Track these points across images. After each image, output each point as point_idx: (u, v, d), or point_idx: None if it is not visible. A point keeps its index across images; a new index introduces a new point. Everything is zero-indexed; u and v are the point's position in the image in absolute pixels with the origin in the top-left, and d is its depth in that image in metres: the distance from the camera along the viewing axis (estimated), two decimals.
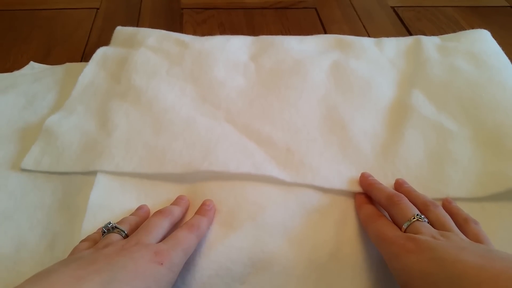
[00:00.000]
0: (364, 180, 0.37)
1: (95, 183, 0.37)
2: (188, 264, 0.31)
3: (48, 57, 0.55)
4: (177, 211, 0.34)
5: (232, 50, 0.52)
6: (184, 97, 0.45)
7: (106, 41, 0.58)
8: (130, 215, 0.34)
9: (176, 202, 0.36)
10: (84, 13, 0.64)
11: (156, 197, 0.37)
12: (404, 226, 0.30)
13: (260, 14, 0.66)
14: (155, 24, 0.63)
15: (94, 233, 0.33)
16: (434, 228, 0.30)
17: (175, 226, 0.34)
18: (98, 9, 0.65)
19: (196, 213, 0.34)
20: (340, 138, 0.42)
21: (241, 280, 0.31)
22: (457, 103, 0.45)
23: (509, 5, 0.72)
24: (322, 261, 0.33)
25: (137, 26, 0.62)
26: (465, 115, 0.44)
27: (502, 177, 0.38)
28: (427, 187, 0.38)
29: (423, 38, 0.55)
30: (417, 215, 0.30)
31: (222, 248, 0.32)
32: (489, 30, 0.55)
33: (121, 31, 0.54)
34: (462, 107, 0.44)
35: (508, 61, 0.51)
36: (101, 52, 0.51)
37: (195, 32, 0.61)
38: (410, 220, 0.30)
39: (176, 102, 0.44)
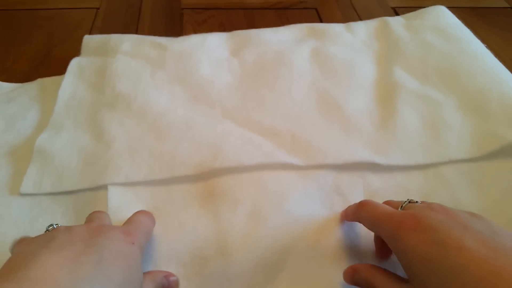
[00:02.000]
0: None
1: (108, 197, 0.36)
2: (227, 260, 0.32)
3: (48, 57, 0.55)
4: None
5: (211, 47, 0.51)
6: (175, 100, 0.45)
7: None
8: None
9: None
10: (84, 13, 0.64)
11: (172, 201, 0.37)
12: (399, 210, 0.29)
13: (260, 15, 0.66)
14: (155, 24, 0.63)
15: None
16: None
17: None
18: (98, 9, 0.65)
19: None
20: (339, 118, 0.43)
21: (279, 267, 0.32)
22: (437, 75, 0.48)
23: (509, 6, 0.71)
24: (350, 240, 0.34)
25: (137, 26, 0.62)
26: (447, 85, 0.47)
27: (494, 137, 0.41)
28: (431, 152, 0.40)
29: (388, 19, 0.57)
30: (409, 199, 0.30)
31: (256, 240, 0.33)
32: (490, 31, 0.56)
33: (90, 40, 0.52)
34: (443, 78, 0.47)
35: (470, 32, 0.54)
36: (75, 63, 0.49)
37: (195, 32, 0.61)
38: (403, 205, 0.30)
39: (169, 106, 0.44)
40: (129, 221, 0.31)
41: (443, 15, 0.57)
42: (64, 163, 0.38)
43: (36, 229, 0.32)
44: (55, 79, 0.48)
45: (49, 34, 0.59)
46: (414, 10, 0.68)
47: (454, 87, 0.46)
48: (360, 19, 0.66)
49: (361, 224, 0.32)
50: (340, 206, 0.36)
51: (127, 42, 0.51)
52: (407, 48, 0.51)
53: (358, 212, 0.32)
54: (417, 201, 0.30)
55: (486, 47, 0.52)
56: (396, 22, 0.56)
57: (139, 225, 0.31)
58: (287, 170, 0.38)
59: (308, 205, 0.36)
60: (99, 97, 0.45)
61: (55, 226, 0.29)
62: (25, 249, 0.24)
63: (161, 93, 0.45)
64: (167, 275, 0.31)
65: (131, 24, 0.62)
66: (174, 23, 0.63)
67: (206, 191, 0.37)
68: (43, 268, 0.22)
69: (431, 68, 0.48)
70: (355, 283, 0.31)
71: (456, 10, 0.69)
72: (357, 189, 0.38)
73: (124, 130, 0.41)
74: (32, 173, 0.38)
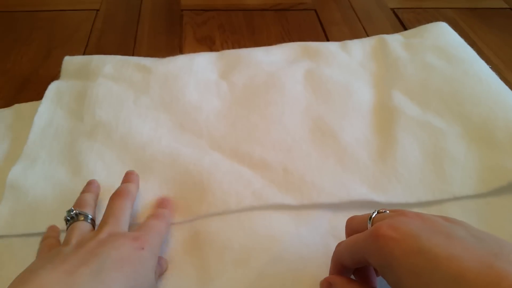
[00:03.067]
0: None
1: None
2: None
3: (48, 59, 0.55)
4: (133, 188, 0.34)
5: (199, 69, 0.49)
6: (160, 128, 0.42)
7: (106, 43, 0.58)
8: (82, 192, 0.34)
9: (127, 179, 0.35)
10: (84, 15, 0.64)
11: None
12: (369, 223, 0.28)
13: (260, 16, 0.66)
14: (155, 25, 0.63)
15: (49, 228, 0.33)
16: None
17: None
18: (98, 10, 0.65)
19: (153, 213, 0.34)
20: (334, 149, 0.40)
21: None
22: (439, 100, 0.45)
23: (508, 7, 0.72)
24: None
25: (137, 27, 0.62)
26: (449, 112, 0.44)
27: (502, 171, 0.38)
28: (433, 189, 0.37)
29: (386, 37, 0.55)
30: (376, 211, 0.28)
31: None
32: (489, 32, 0.56)
33: (70, 61, 0.49)
34: (445, 104, 0.44)
35: (474, 51, 0.51)
36: (53, 87, 0.46)
37: (195, 34, 0.61)
38: (371, 217, 0.28)
39: (153, 135, 0.41)
40: (141, 226, 0.32)
41: (445, 33, 0.54)
42: (39, 201, 0.35)
43: (6, 276, 0.28)
44: (32, 104, 0.46)
45: (49, 35, 0.59)
46: (413, 11, 0.69)
47: (457, 114, 0.43)
48: (359, 20, 0.66)
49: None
50: None
51: (109, 64, 0.48)
52: (406, 70, 0.48)
53: (337, 254, 0.29)
54: (385, 210, 0.28)
55: (491, 68, 0.49)
56: (394, 41, 0.53)
57: (150, 228, 0.31)
58: (278, 210, 0.36)
59: (302, 250, 0.33)
60: (78, 125, 0.42)
61: (72, 212, 0.31)
62: (34, 265, 0.26)
63: (144, 121, 0.42)
64: (161, 261, 0.32)
65: (131, 25, 0.62)
66: (174, 25, 0.63)
67: (191, 234, 0.35)
68: (39, 285, 0.23)
69: (432, 93, 0.45)
70: None
71: (455, 11, 0.69)
72: None
73: (104, 164, 0.38)
74: (3, 212, 0.34)
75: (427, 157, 0.40)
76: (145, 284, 0.27)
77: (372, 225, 0.27)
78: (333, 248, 0.33)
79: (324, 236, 0.34)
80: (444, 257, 0.21)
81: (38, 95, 0.47)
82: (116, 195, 0.32)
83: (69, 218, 0.31)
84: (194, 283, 0.31)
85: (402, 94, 0.46)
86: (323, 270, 0.32)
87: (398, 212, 0.27)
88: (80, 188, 0.36)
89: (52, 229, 0.33)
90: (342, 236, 0.34)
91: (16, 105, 0.46)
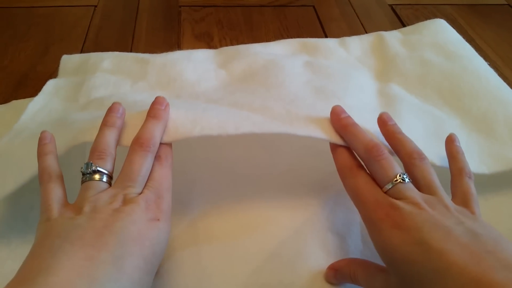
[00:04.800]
0: (337, 121, 0.32)
1: None
2: None
3: (46, 55, 0.55)
4: (158, 134, 0.30)
5: (198, 59, 0.49)
6: (155, 96, 0.40)
7: (103, 39, 0.58)
8: (103, 125, 0.30)
9: (154, 114, 0.31)
10: (82, 11, 0.64)
11: None
12: (386, 187, 0.28)
13: (258, 12, 0.66)
14: (153, 21, 0.63)
15: (42, 143, 0.30)
16: (418, 187, 0.28)
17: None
18: (95, 6, 0.65)
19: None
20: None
21: None
22: (438, 95, 0.45)
23: (507, 3, 0.72)
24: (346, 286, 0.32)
25: (135, 23, 0.62)
26: (448, 106, 0.44)
27: (503, 159, 0.38)
28: (437, 157, 0.37)
29: (384, 33, 0.55)
30: (400, 175, 0.28)
31: None
32: (487, 29, 0.56)
33: (69, 59, 0.49)
34: (444, 99, 0.45)
35: (472, 48, 0.51)
36: (51, 83, 0.46)
37: (193, 30, 0.61)
38: (392, 182, 0.28)
39: (146, 97, 0.39)
40: (148, 182, 0.28)
41: (443, 30, 0.54)
42: (24, 154, 0.34)
43: (5, 274, 0.26)
44: (30, 101, 0.45)
45: (47, 32, 0.59)
46: (412, 7, 0.69)
47: (456, 108, 0.43)
48: (358, 16, 0.66)
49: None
50: (335, 245, 0.34)
51: (107, 59, 0.48)
52: (405, 66, 0.48)
53: (343, 175, 0.31)
54: (406, 178, 0.28)
55: (489, 64, 0.49)
56: (392, 38, 0.53)
57: (159, 188, 0.28)
58: (275, 208, 0.36)
59: (299, 246, 0.33)
60: (72, 105, 0.42)
61: (91, 169, 0.27)
62: (50, 239, 0.24)
63: (140, 95, 0.42)
64: None
65: (129, 21, 0.62)
66: (172, 21, 0.63)
67: (188, 231, 0.35)
68: (63, 273, 0.22)
69: (430, 88, 0.46)
70: (339, 281, 0.31)
71: (454, 7, 0.69)
72: (354, 227, 0.35)
73: (91, 116, 0.36)
74: None
75: (431, 135, 0.39)
76: (156, 264, 0.26)
77: (390, 189, 0.28)
78: (331, 244, 0.34)
79: (321, 231, 0.35)
80: (437, 250, 0.23)
81: (35, 92, 0.47)
82: (138, 147, 0.29)
83: (86, 173, 0.28)
84: (191, 280, 0.31)
85: (401, 88, 0.46)
86: (321, 265, 0.32)
87: (416, 198, 0.27)
88: (64, 127, 0.34)
89: (47, 150, 0.29)
90: (340, 232, 0.34)
91: (14, 102, 0.46)
